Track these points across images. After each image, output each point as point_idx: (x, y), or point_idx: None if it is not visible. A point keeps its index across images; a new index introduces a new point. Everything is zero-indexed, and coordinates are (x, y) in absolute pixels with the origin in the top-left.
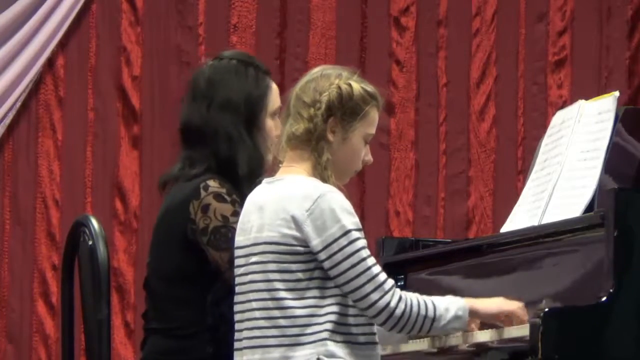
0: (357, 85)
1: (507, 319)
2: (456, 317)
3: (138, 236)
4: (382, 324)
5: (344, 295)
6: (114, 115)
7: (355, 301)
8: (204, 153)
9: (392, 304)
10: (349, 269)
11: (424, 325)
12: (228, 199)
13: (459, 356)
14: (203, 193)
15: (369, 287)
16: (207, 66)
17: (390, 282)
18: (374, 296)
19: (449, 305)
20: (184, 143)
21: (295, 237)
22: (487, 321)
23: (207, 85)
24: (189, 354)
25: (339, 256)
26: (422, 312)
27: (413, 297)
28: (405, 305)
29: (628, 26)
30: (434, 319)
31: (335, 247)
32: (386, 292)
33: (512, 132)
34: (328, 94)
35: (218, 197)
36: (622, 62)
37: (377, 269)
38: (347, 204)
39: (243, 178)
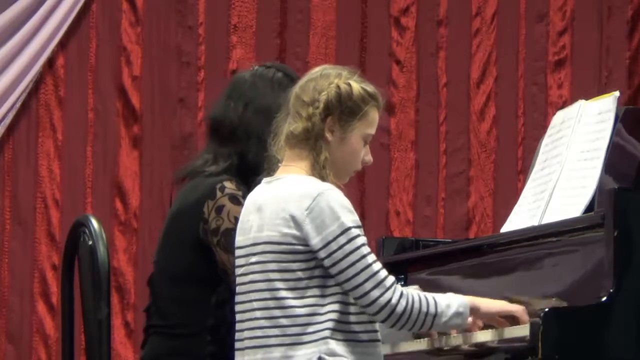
0: (357, 85)
1: (507, 319)
2: (457, 314)
3: (138, 236)
4: (383, 321)
5: (345, 293)
6: (114, 115)
7: (356, 299)
8: (230, 151)
9: (394, 300)
10: (349, 266)
11: (426, 321)
12: (243, 201)
13: (459, 356)
14: (219, 194)
15: (369, 285)
16: (251, 70)
17: (391, 279)
18: (375, 293)
19: (450, 302)
20: (211, 137)
21: (295, 236)
22: (487, 320)
23: (248, 88)
24: (189, 354)
25: (339, 254)
26: (424, 308)
27: (414, 294)
28: (407, 301)
29: (628, 26)
30: (435, 315)
31: (334, 245)
32: (387, 289)
33: (512, 132)
34: (327, 93)
35: (233, 199)
36: (622, 62)
37: (377, 266)
38: (347, 202)
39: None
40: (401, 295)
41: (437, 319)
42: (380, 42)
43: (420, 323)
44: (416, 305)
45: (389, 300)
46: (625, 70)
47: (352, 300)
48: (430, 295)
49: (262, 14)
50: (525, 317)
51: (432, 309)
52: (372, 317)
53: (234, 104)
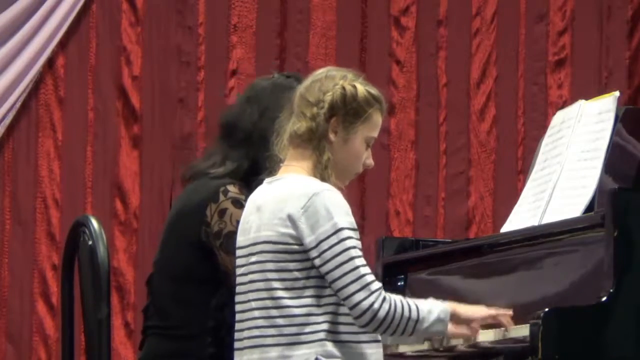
0: (362, 88)
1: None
2: (438, 320)
3: (138, 236)
4: (365, 325)
5: None
6: (114, 115)
7: (342, 300)
8: (242, 154)
9: (376, 305)
10: (336, 267)
11: (407, 327)
12: None
13: (459, 357)
14: (222, 197)
15: (354, 287)
16: (272, 78)
17: (377, 284)
18: (359, 296)
19: (431, 308)
20: (223, 139)
21: (291, 236)
22: (468, 327)
23: (267, 95)
24: (189, 356)
25: (328, 254)
26: (406, 314)
27: (397, 299)
28: (389, 306)
29: (628, 26)
30: (417, 321)
31: (325, 245)
32: (371, 293)
33: (512, 132)
34: (332, 93)
35: (236, 202)
36: (622, 62)
37: (365, 269)
38: (344, 203)
39: None
40: (384, 300)
41: (419, 325)
42: (380, 42)
43: (402, 328)
44: (398, 310)
45: (372, 304)
46: (625, 70)
47: None
48: (412, 301)
49: (262, 14)
50: (508, 321)
51: (414, 315)
52: (355, 320)
53: (251, 110)
